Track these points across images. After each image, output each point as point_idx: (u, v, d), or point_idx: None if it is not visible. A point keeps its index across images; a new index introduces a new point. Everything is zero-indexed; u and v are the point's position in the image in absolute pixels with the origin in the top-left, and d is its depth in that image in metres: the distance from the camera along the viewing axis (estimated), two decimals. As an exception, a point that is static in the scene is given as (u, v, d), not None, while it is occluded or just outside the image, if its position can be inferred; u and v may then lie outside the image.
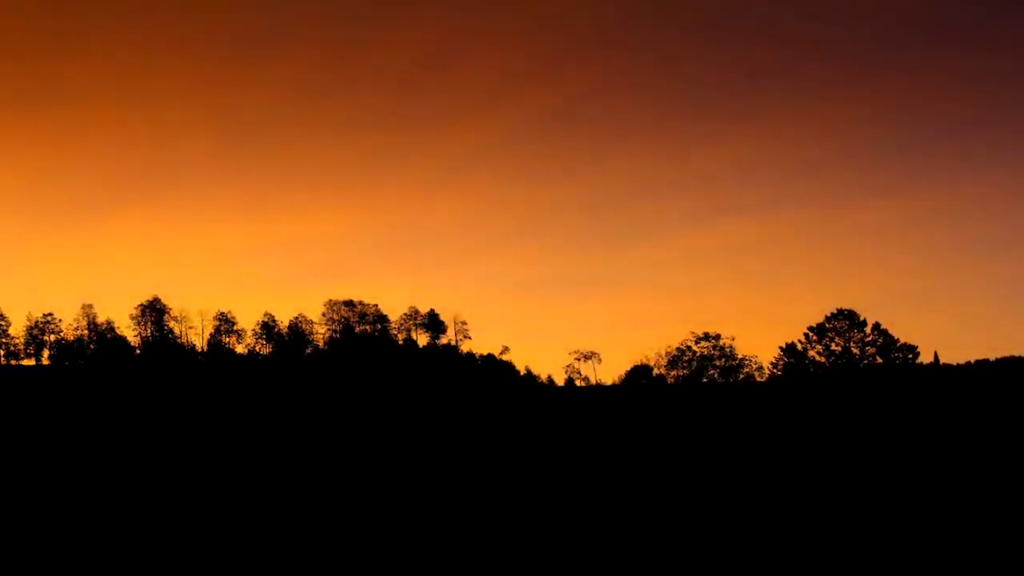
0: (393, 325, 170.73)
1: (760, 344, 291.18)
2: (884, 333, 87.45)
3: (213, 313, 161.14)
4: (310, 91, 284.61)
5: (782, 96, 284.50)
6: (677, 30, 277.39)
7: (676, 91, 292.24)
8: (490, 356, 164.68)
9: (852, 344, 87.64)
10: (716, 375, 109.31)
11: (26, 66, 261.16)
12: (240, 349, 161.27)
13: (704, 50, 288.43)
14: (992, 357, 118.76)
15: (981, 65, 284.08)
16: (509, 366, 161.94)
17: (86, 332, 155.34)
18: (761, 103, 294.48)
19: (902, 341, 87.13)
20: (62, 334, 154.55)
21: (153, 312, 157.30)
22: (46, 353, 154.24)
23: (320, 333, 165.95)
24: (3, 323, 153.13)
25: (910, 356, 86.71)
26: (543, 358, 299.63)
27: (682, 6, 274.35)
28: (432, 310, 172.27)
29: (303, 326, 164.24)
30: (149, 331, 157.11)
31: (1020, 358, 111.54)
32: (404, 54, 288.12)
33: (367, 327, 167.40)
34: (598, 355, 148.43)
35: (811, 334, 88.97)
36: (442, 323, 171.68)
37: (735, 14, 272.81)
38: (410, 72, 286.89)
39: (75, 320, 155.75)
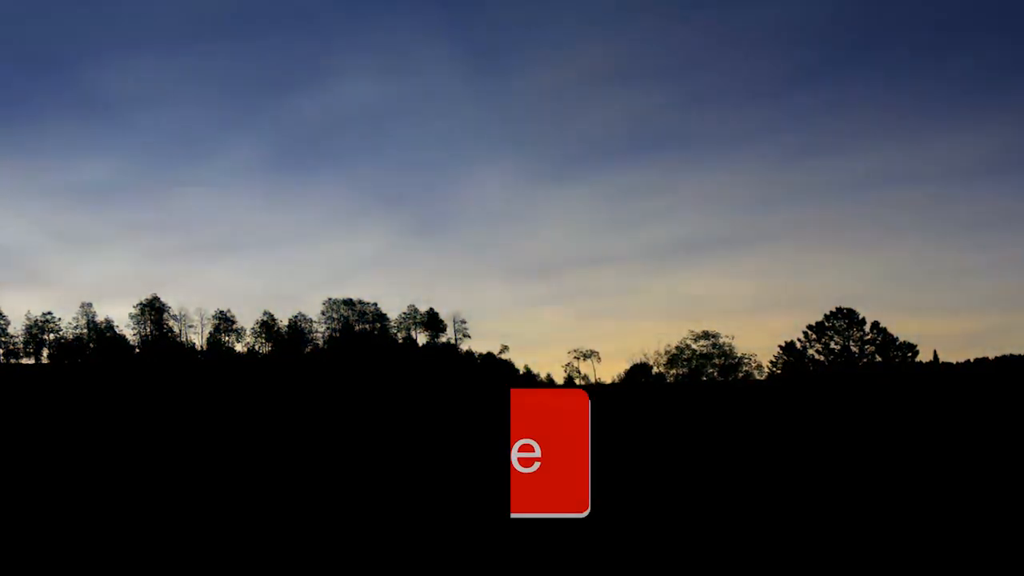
0: (392, 324, 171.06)
1: (759, 343, 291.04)
2: (883, 331, 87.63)
3: (212, 312, 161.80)
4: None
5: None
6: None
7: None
8: (489, 355, 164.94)
9: (851, 343, 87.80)
10: (715, 374, 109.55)
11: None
12: (239, 348, 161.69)
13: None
14: (991, 356, 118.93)
15: (967, 64, 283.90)
16: (509, 365, 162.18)
17: (85, 331, 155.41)
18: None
19: (901, 340, 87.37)
20: (61, 333, 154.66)
21: (152, 311, 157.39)
22: (45, 352, 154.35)
23: (319, 332, 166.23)
24: (2, 322, 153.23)
25: (909, 355, 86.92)
26: (543, 358, 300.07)
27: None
28: (431, 309, 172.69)
29: (302, 324, 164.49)
30: (148, 330, 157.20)
31: (1019, 357, 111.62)
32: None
33: (366, 326, 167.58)
34: (597, 354, 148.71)
35: (810, 332, 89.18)
36: (441, 322, 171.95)
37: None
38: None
39: (74, 319, 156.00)
